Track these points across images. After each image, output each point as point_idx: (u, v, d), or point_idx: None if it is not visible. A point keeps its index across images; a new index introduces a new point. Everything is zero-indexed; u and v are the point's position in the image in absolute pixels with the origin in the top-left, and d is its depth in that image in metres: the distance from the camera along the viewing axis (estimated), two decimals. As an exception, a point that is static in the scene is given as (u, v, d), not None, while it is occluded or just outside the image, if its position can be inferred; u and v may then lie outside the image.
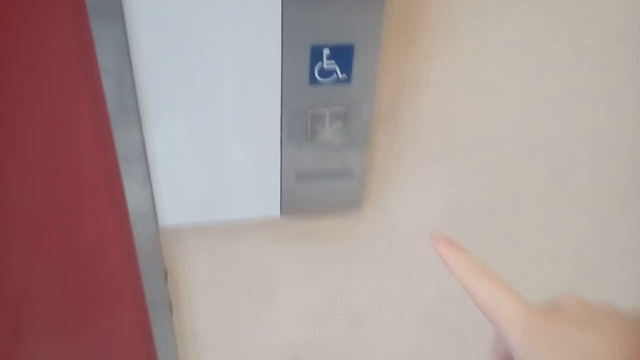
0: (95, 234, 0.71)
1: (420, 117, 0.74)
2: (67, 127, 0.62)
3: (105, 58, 0.55)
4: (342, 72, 0.65)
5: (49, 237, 0.70)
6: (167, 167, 0.66)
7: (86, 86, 0.59)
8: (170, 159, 0.66)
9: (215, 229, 0.74)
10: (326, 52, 0.63)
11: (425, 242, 0.85)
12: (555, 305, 0.30)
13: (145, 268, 0.74)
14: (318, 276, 0.85)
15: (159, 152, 0.64)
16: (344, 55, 0.64)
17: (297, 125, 0.68)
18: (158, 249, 0.72)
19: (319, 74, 0.65)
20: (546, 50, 0.73)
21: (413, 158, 0.77)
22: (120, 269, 0.75)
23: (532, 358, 0.27)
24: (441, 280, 0.90)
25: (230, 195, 0.71)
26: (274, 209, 0.75)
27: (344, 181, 0.75)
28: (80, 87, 0.59)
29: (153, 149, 0.64)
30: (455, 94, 0.74)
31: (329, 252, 0.83)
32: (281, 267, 0.82)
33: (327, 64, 0.64)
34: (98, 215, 0.70)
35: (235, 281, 0.81)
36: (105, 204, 0.68)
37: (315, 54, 0.63)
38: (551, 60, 0.74)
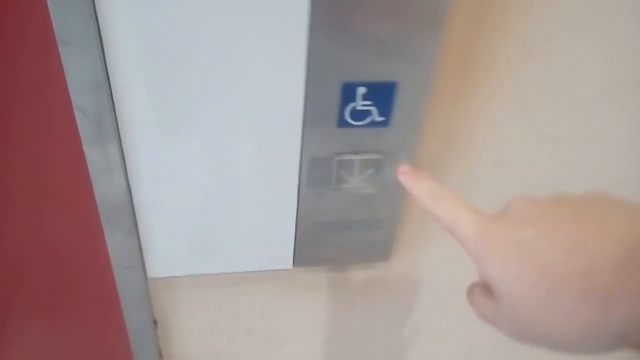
0: (75, 281, 0.61)
1: (470, 165, 0.61)
2: (40, 169, 0.51)
3: (80, 96, 0.43)
4: (379, 115, 0.52)
5: (28, 282, 0.60)
6: (158, 215, 0.54)
7: (58, 121, 0.47)
8: (162, 206, 0.54)
9: (214, 276, 0.63)
10: (361, 90, 0.50)
11: (455, 298, 0.72)
12: (504, 209, 0.31)
13: (131, 316, 0.63)
14: (332, 326, 0.74)
15: (148, 198, 0.53)
16: (383, 94, 0.51)
17: (320, 173, 0.56)
18: (146, 297, 0.61)
19: (350, 116, 0.52)
20: (627, 97, 0.59)
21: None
22: (102, 317, 0.65)
23: (486, 263, 0.29)
24: (469, 336, 0.78)
25: (233, 246, 0.59)
26: (286, 262, 0.63)
27: (372, 232, 0.63)
28: (51, 121, 0.47)
29: (141, 193, 0.52)
30: (513, 140, 0.60)
31: (346, 303, 0.72)
32: (290, 316, 0.71)
33: (362, 104, 0.51)
34: (78, 261, 0.59)
35: (237, 331, 0.70)
36: (84, 251, 0.58)
37: (348, 93, 0.50)
38: (630, 108, 0.60)
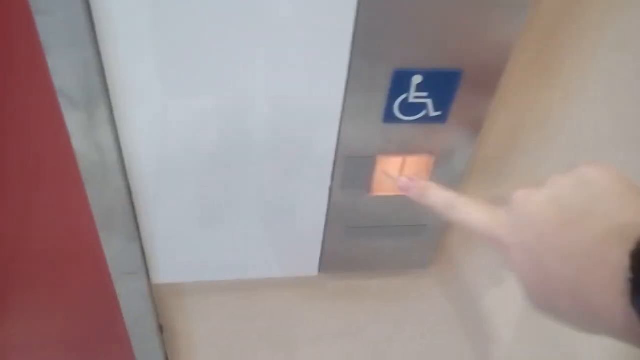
0: (71, 288, 0.54)
1: (536, 168, 0.51)
2: (21, 167, 0.42)
3: (64, 78, 0.34)
4: (435, 109, 0.42)
5: (19, 290, 0.53)
6: (164, 215, 0.46)
7: (38, 110, 0.38)
8: (169, 205, 0.45)
9: (228, 281, 0.55)
10: (417, 80, 0.40)
11: (496, 311, 0.64)
12: (509, 205, 0.31)
13: (134, 323, 0.56)
14: (357, 333, 0.66)
15: (152, 196, 0.44)
16: (443, 85, 0.41)
17: (357, 174, 0.46)
18: (150, 304, 0.54)
19: (400, 110, 0.42)
20: None
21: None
22: (103, 325, 0.58)
23: (506, 261, 0.31)
24: (511, 353, 0.70)
25: (250, 251, 0.51)
26: (310, 268, 0.54)
27: (412, 238, 0.54)
28: (29, 110, 0.39)
29: (143, 191, 0.44)
30: (594, 141, 0.50)
31: (374, 309, 0.64)
32: (311, 321, 0.63)
33: (416, 96, 0.41)
34: (73, 267, 0.51)
35: (250, 338, 0.63)
36: (79, 256, 0.50)
37: (400, 82, 0.40)
38: None
